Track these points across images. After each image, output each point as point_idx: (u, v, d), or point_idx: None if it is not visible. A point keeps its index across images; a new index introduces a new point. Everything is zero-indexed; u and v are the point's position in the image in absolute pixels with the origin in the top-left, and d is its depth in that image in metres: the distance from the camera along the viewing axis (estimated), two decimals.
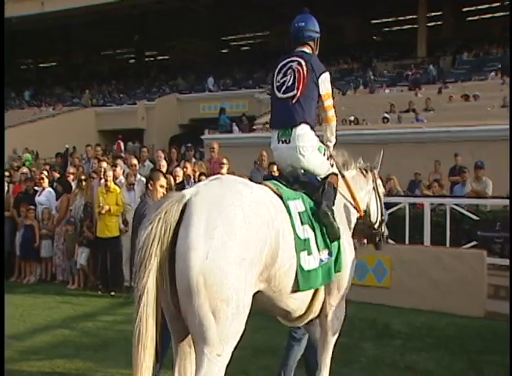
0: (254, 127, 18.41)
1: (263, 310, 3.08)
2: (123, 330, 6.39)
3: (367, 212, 3.84)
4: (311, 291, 3.10)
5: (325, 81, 3.36)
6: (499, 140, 11.49)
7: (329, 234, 3.12)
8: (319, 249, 3.04)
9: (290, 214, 2.94)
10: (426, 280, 6.83)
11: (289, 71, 3.33)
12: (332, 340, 3.38)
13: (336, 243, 3.17)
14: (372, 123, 16.27)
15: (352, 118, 16.89)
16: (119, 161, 10.36)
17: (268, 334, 5.94)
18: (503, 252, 7.87)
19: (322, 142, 3.49)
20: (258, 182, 3.10)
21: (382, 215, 3.96)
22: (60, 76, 36.77)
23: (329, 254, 3.12)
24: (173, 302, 2.66)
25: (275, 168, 7.59)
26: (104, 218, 8.21)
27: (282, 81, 3.36)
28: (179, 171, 8.52)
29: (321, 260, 3.04)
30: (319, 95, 3.36)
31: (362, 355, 5.42)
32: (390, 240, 6.32)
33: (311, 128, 3.34)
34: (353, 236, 3.61)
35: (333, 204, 3.26)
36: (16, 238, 9.21)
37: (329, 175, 3.39)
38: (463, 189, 8.89)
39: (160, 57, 38.30)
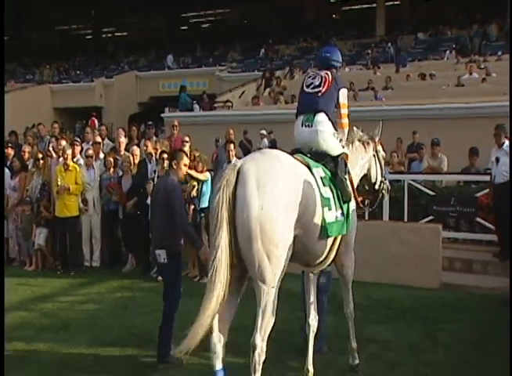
0: (215, 105, 18.17)
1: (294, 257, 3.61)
2: (84, 310, 6.31)
3: (368, 175, 4.66)
4: (330, 241, 3.84)
5: (344, 94, 4.16)
6: (454, 118, 11.75)
7: (343, 197, 3.91)
8: (336, 208, 3.80)
9: (315, 177, 3.71)
10: (384, 254, 6.97)
11: (317, 77, 4.14)
12: (349, 282, 4.33)
13: (346, 205, 3.94)
14: None
15: None
16: (77, 139, 10.07)
17: (236, 313, 6.00)
18: (458, 226, 8.13)
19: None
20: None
21: (382, 175, 4.78)
22: (12, 51, 35.16)
23: (342, 213, 3.89)
24: (236, 252, 3.30)
25: (231, 146, 7.55)
26: (63, 198, 7.98)
27: (310, 81, 4.16)
28: (137, 150, 8.36)
29: (336, 217, 3.81)
30: (338, 103, 4.11)
31: (325, 328, 5.50)
32: None
33: (329, 119, 4.05)
34: (359, 195, 4.36)
35: (346, 174, 4.05)
36: None
37: (341, 153, 4.15)
38: (420, 166, 9.06)
39: (118, 34, 37.10)
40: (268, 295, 3.34)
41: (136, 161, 8.26)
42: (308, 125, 4.05)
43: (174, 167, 4.82)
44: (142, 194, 7.72)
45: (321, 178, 3.78)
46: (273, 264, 3.30)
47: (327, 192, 3.76)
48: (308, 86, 4.14)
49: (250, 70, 24.09)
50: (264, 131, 14.12)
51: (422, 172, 8.67)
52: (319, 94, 4.04)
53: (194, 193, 7.37)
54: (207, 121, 15.45)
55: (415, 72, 17.83)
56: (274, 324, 3.50)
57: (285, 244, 3.34)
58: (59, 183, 7.94)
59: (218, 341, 3.60)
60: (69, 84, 28.28)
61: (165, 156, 7.57)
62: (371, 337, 5.19)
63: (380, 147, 4.80)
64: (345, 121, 4.23)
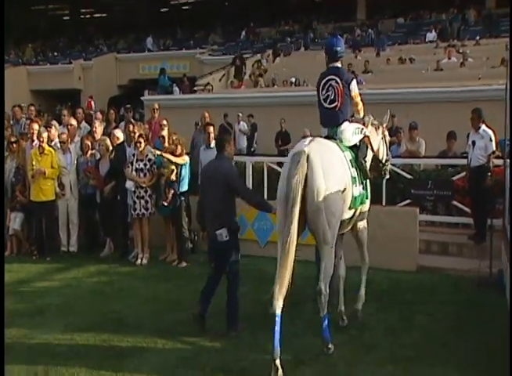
0: (195, 88, 17.92)
1: None
2: (60, 295, 6.20)
3: (376, 155, 5.35)
4: (353, 210, 4.73)
5: (353, 86, 4.79)
6: (431, 102, 11.76)
7: (364, 175, 4.81)
8: (359, 184, 4.68)
9: (346, 160, 4.59)
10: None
11: (330, 88, 4.77)
12: (365, 243, 5.26)
13: (365, 181, 4.83)
14: (312, 84, 16.19)
15: (293, 80, 16.76)
16: (54, 122, 9.81)
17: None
18: (435, 209, 8.16)
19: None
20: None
21: (387, 154, 5.56)
22: None
23: (363, 188, 4.78)
24: (303, 221, 4.22)
25: (211, 128, 7.42)
26: (39, 182, 7.78)
27: (326, 95, 4.81)
28: (118, 133, 8.16)
29: (360, 191, 4.69)
30: (351, 97, 4.80)
31: (304, 312, 5.48)
32: None
33: (349, 121, 4.88)
34: (370, 170, 5.09)
35: (365, 156, 4.96)
36: None
37: (364, 137, 4.95)
38: (398, 149, 9.05)
39: (97, 15, 36.19)
40: (329, 253, 4.35)
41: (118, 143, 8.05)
42: (333, 135, 4.87)
43: (227, 149, 5.09)
44: (120, 178, 7.57)
45: (349, 160, 4.63)
46: (332, 230, 4.31)
47: (354, 172, 4.62)
48: (325, 101, 4.82)
49: (232, 53, 23.75)
50: (240, 114, 13.97)
51: (400, 156, 8.65)
52: (337, 109, 4.76)
53: (173, 177, 7.25)
54: (187, 104, 15.25)
55: (395, 56, 17.83)
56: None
57: (339, 214, 4.37)
58: (34, 167, 7.73)
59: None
60: (46, 66, 27.62)
61: (141, 139, 7.43)
62: (348, 320, 5.18)
63: (386, 132, 5.58)
64: (360, 107, 4.96)
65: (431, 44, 19.29)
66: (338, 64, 4.89)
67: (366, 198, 4.92)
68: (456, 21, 21.32)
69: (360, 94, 4.88)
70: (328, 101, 4.78)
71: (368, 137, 5.04)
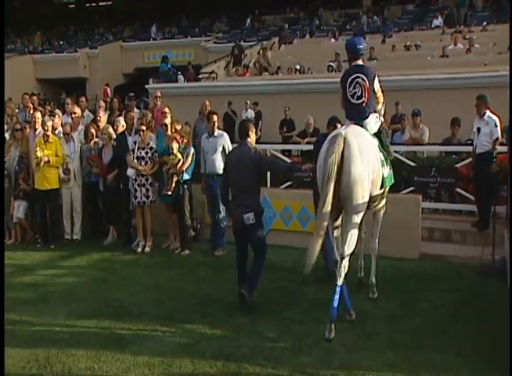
0: (200, 76, 17.80)
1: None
2: (63, 283, 6.22)
3: None
4: (383, 189, 5.11)
5: (376, 82, 5.06)
6: (436, 88, 11.61)
7: (388, 158, 5.21)
8: (386, 165, 5.08)
9: (375, 144, 5.01)
10: (366, 225, 6.88)
11: (357, 85, 5.02)
12: (380, 223, 5.59)
13: (389, 163, 5.23)
14: (317, 72, 16.06)
15: (298, 67, 16.60)
16: (57, 111, 9.78)
17: (213, 284, 5.97)
18: (438, 197, 8.09)
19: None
20: None
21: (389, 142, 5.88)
22: None
23: (389, 169, 5.20)
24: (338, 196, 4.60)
25: (215, 117, 7.34)
26: (43, 170, 7.78)
27: (353, 91, 5.04)
28: (121, 121, 8.13)
29: (388, 172, 5.12)
30: (375, 92, 5.05)
31: (303, 298, 5.50)
32: None
33: (372, 112, 5.16)
34: None
35: (389, 140, 5.60)
36: None
37: (381, 123, 5.34)
38: (402, 137, 8.95)
39: (103, 3, 35.99)
40: (356, 223, 4.75)
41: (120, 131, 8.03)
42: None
43: (251, 136, 5.35)
44: (122, 166, 7.55)
45: (377, 145, 5.02)
46: (363, 202, 4.70)
47: (381, 155, 5.00)
48: (352, 97, 5.05)
49: (236, 40, 23.60)
50: (248, 101, 13.94)
51: (403, 143, 8.56)
52: (364, 104, 5.02)
53: (181, 166, 7.20)
54: (192, 92, 15.15)
55: (401, 43, 17.59)
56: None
57: (368, 190, 4.73)
58: (38, 155, 7.72)
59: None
60: (52, 54, 27.55)
61: (143, 127, 7.38)
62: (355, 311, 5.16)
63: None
64: (381, 98, 5.23)
65: (437, 30, 19.01)
66: (360, 62, 5.22)
67: (391, 180, 5.30)
68: (462, 6, 20.98)
69: (381, 87, 5.18)
70: (355, 97, 5.06)
71: (383, 122, 5.49)
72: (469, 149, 7.69)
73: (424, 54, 15.93)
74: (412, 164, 7.96)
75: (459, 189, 7.69)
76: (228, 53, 20.17)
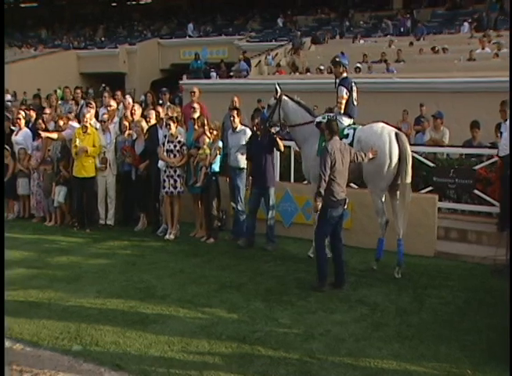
0: (231, 73, 17.93)
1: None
2: (95, 264, 6.45)
3: None
4: None
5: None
6: (460, 91, 11.43)
7: None
8: None
9: None
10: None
11: (354, 89, 6.41)
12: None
13: None
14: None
15: (322, 68, 16.54)
16: (92, 104, 10.00)
17: (235, 272, 6.08)
18: (458, 197, 8.00)
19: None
20: None
21: None
22: (42, 17, 34.92)
23: None
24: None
25: (234, 113, 7.43)
26: (81, 159, 8.04)
27: (354, 95, 6.39)
28: (152, 114, 8.30)
29: None
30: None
31: (318, 290, 5.55)
32: (352, 185, 6.94)
33: None
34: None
35: None
36: None
37: None
38: (423, 138, 8.87)
39: (142, 2, 36.47)
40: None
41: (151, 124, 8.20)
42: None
43: (329, 135, 5.75)
44: (153, 157, 7.74)
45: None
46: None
47: None
48: (355, 99, 6.39)
49: (268, 40, 23.63)
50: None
51: (423, 144, 8.50)
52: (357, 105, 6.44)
53: (212, 160, 7.31)
54: (223, 88, 15.29)
55: (428, 46, 17.30)
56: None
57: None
58: (77, 145, 7.98)
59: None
60: (94, 50, 28.15)
61: (171, 122, 7.53)
62: (362, 299, 5.23)
63: None
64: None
65: (466, 34, 18.62)
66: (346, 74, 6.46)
67: None
68: (493, 10, 20.45)
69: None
70: (356, 100, 6.48)
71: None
72: (489, 151, 7.58)
73: (451, 57, 15.65)
74: (431, 164, 7.90)
75: (476, 191, 7.60)
76: (260, 52, 20.26)
